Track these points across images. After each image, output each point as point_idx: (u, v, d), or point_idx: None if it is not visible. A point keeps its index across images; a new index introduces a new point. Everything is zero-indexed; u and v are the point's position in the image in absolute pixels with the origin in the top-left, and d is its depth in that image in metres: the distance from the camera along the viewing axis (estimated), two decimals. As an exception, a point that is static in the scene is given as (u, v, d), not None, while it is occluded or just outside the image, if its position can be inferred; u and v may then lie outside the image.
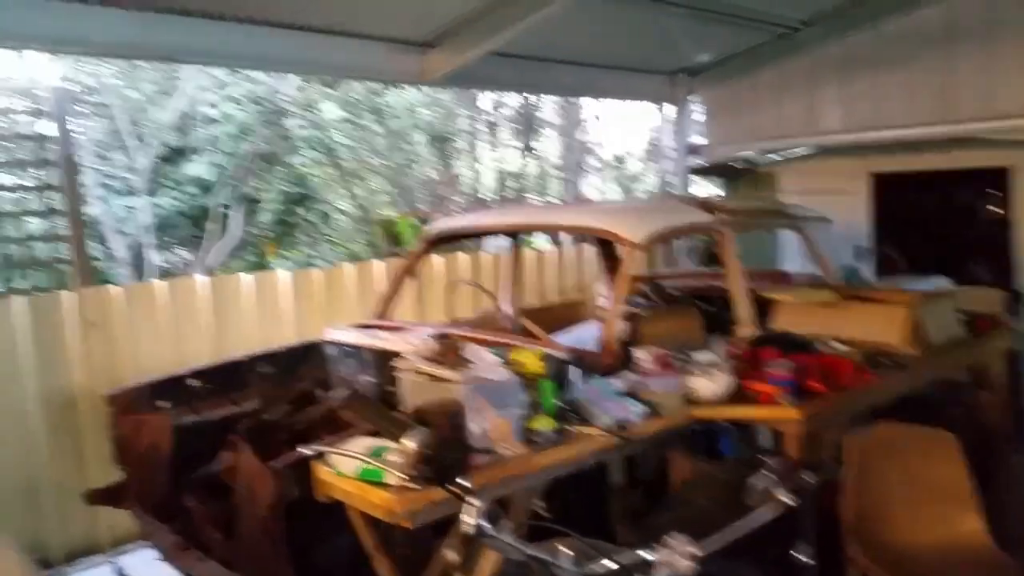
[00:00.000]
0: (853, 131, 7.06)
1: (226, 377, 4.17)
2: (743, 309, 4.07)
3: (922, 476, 2.79)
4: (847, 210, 7.05)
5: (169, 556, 3.36)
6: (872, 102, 6.96)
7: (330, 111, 12.08)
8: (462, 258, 6.83)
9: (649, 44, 7.13)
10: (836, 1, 6.57)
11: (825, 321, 4.15)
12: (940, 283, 4.96)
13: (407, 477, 1.96)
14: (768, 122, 7.75)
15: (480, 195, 15.09)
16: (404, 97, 13.52)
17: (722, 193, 9.14)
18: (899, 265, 6.79)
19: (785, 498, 1.65)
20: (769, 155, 8.05)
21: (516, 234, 5.43)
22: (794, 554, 1.90)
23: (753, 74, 7.70)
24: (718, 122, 8.41)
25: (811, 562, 1.95)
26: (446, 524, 2.52)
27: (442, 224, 5.51)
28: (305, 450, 2.43)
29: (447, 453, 1.81)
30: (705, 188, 9.98)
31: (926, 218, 7.19)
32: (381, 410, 2.58)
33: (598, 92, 10.00)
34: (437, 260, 6.46)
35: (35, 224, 5.98)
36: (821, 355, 3.66)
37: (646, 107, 14.81)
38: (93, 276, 6.21)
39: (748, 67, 7.64)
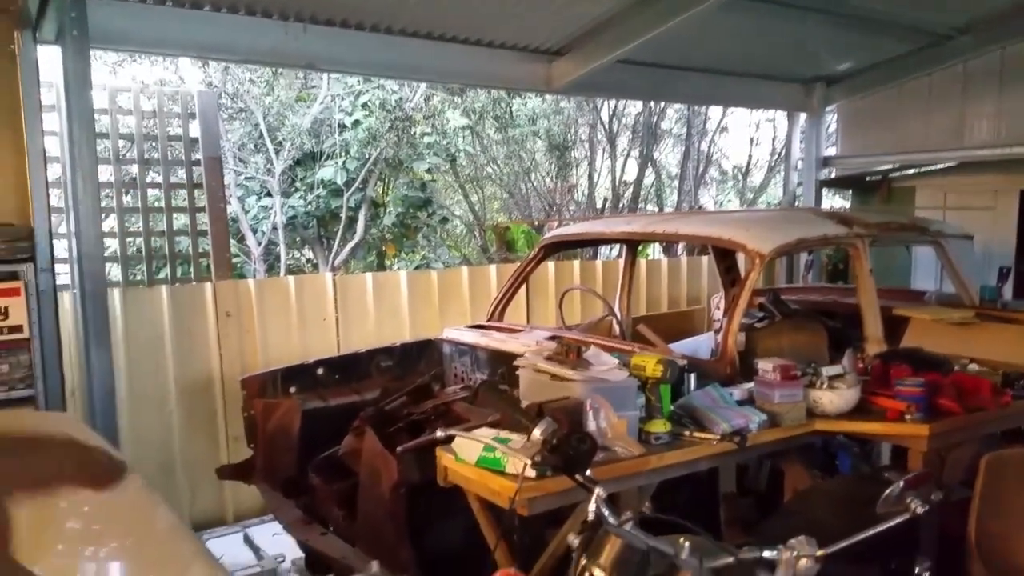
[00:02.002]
0: (1007, 145, 6.62)
1: (350, 368, 4.40)
2: (873, 325, 3.93)
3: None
4: (989, 227, 6.68)
5: (292, 529, 3.55)
6: (1030, 115, 6.53)
7: (454, 119, 12.35)
8: (575, 265, 6.87)
9: (785, 51, 6.93)
10: (997, 7, 6.18)
11: (961, 341, 3.97)
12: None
13: (533, 464, 2.02)
14: (911, 134, 7.38)
15: (596, 204, 15.06)
16: (527, 106, 13.67)
17: (849, 206, 8.81)
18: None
19: (916, 506, 1.60)
20: (908, 169, 7.69)
21: (632, 243, 5.42)
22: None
23: (897, 83, 7.36)
24: (855, 133, 8.10)
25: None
26: (557, 515, 2.58)
27: (559, 231, 5.56)
28: (438, 434, 2.53)
29: (576, 444, 1.85)
30: (832, 201, 9.64)
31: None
32: (511, 399, 2.66)
33: (728, 100, 9.81)
34: (549, 267, 6.51)
35: (180, 220, 6.37)
36: (956, 374, 3.49)
37: (774, 115, 14.45)
38: (230, 270, 6.58)
39: (892, 76, 7.31)
